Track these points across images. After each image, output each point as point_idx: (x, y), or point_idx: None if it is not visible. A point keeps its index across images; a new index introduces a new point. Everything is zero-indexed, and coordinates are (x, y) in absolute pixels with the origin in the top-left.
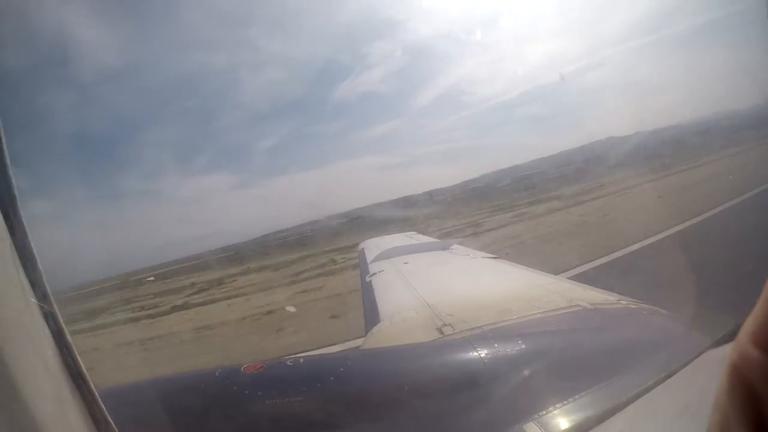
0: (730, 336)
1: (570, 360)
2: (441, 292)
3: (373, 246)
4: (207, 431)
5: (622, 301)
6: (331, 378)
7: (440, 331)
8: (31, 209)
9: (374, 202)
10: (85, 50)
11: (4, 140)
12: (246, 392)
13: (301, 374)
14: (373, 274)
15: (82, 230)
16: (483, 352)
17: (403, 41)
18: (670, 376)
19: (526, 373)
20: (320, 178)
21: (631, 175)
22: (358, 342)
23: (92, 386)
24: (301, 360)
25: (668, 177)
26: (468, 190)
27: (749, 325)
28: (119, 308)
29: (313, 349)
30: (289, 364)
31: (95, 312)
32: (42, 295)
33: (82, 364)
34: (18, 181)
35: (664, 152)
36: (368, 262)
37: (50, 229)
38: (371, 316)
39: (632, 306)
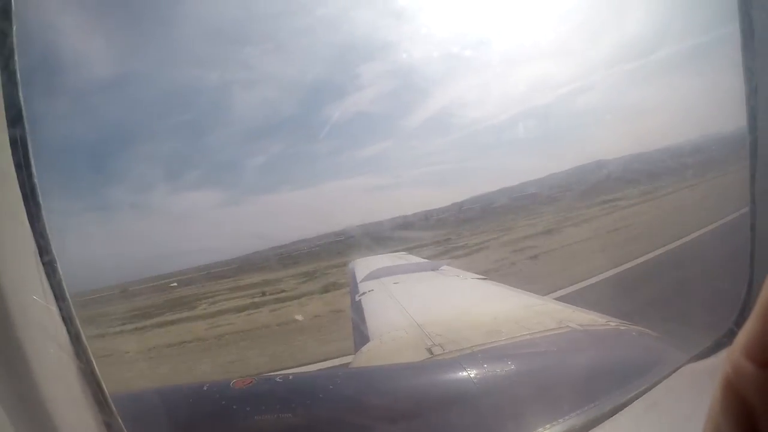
0: (708, 351)
1: (559, 381)
2: (430, 312)
3: (363, 265)
4: None
5: (611, 323)
6: (320, 396)
7: (430, 351)
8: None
9: (366, 222)
10: (77, 60)
11: (30, 146)
12: (234, 407)
13: (290, 391)
14: (363, 293)
15: (67, 239)
16: (472, 373)
17: (394, 63)
18: (648, 389)
19: (516, 394)
20: (311, 198)
21: (616, 197)
22: (347, 359)
23: (105, 389)
24: (291, 377)
25: (656, 199)
26: (459, 212)
27: (742, 338)
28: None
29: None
30: (278, 380)
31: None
32: (62, 299)
33: (96, 367)
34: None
35: (652, 174)
36: (358, 282)
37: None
38: (360, 335)
39: (621, 327)
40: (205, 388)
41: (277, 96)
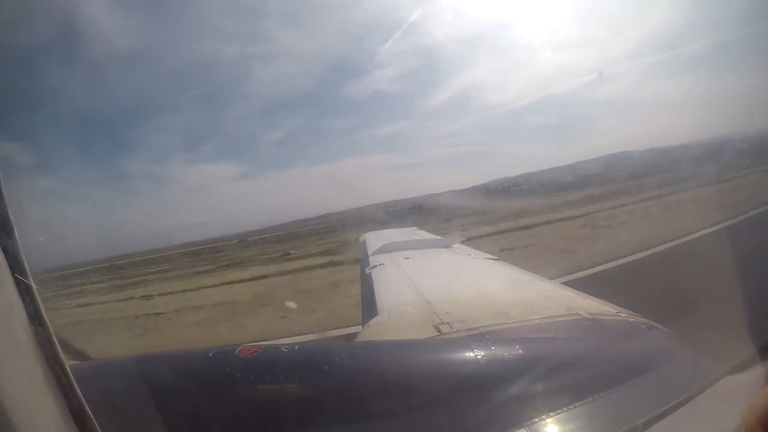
0: (744, 365)
1: (565, 369)
2: (440, 289)
3: (375, 239)
4: (197, 412)
5: (621, 314)
6: (325, 368)
7: (437, 329)
8: (37, 186)
9: (384, 201)
10: (99, 32)
11: None
12: (238, 375)
13: (295, 361)
14: (374, 266)
15: (84, 210)
16: (479, 354)
17: (415, 43)
18: (682, 403)
19: (521, 378)
20: (328, 174)
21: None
22: (354, 329)
23: (68, 370)
24: (296, 347)
25: (676, 193)
26: (476, 195)
27: (758, 406)
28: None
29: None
30: (284, 350)
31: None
32: (20, 271)
33: (58, 346)
34: (29, 158)
35: (675, 169)
36: (369, 255)
37: (54, 206)
38: (369, 308)
39: (631, 319)
40: (210, 355)
41: (295, 71)
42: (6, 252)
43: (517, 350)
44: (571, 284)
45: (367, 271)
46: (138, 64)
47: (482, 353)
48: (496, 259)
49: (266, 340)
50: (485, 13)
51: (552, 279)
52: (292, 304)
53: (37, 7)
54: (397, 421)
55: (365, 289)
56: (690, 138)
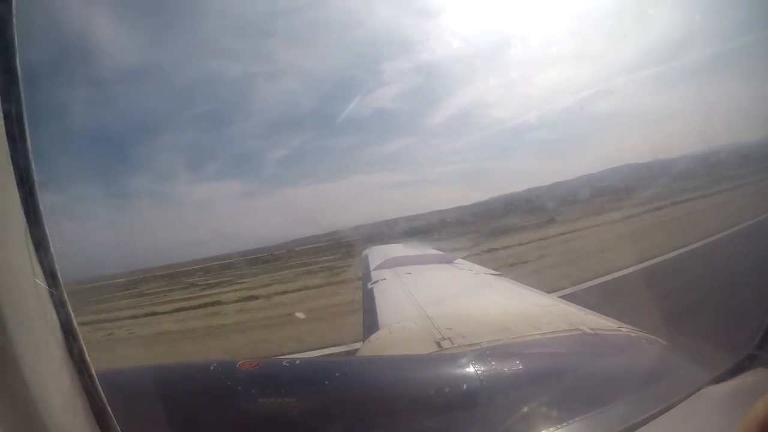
0: (728, 374)
1: (566, 384)
2: (441, 305)
3: (377, 254)
4: (199, 422)
5: (622, 329)
6: (326, 382)
7: (438, 344)
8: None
9: (388, 219)
10: (103, 51)
11: (27, 132)
12: (239, 388)
13: (296, 375)
14: (375, 281)
15: (90, 227)
16: (480, 370)
17: (418, 60)
18: (666, 410)
19: (522, 393)
20: (332, 192)
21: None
22: (356, 345)
23: (94, 374)
24: (297, 362)
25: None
26: (479, 212)
27: (758, 412)
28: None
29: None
30: (284, 364)
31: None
32: (53, 282)
33: (85, 351)
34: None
35: (676, 181)
36: (371, 270)
37: (60, 223)
38: (370, 323)
39: (632, 334)
40: (211, 368)
41: (299, 89)
42: (42, 264)
43: (518, 366)
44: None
45: (369, 286)
46: (143, 83)
47: (483, 369)
48: (497, 275)
49: None
50: (486, 30)
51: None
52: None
53: (44, 24)
54: None
55: (367, 303)
56: (693, 148)
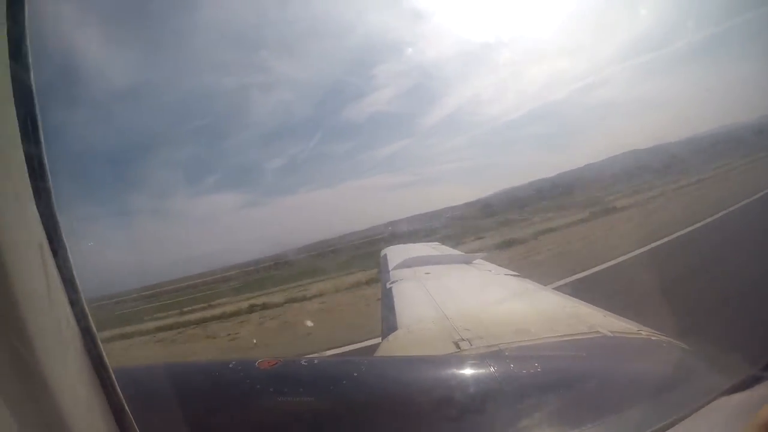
0: (745, 384)
1: (585, 388)
2: (460, 305)
3: (396, 253)
4: (216, 421)
5: (642, 332)
6: (344, 382)
7: (457, 345)
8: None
9: (388, 221)
10: (96, 68)
11: (44, 147)
12: (258, 387)
13: (314, 375)
14: (394, 281)
15: (95, 244)
16: (498, 371)
17: (409, 63)
18: (682, 418)
19: (540, 396)
20: (331, 198)
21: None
22: (372, 342)
23: (112, 374)
24: (316, 361)
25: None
26: (480, 208)
27: (761, 420)
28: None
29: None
30: (303, 363)
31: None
32: (72, 290)
33: (102, 350)
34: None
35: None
36: (390, 269)
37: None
38: (389, 322)
39: (653, 338)
40: (230, 366)
41: (294, 98)
42: (60, 271)
43: (537, 368)
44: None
45: (388, 285)
46: (137, 100)
47: (501, 370)
48: (517, 275)
49: None
50: (476, 28)
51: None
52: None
53: (34, 45)
54: None
55: (385, 303)
56: (694, 131)
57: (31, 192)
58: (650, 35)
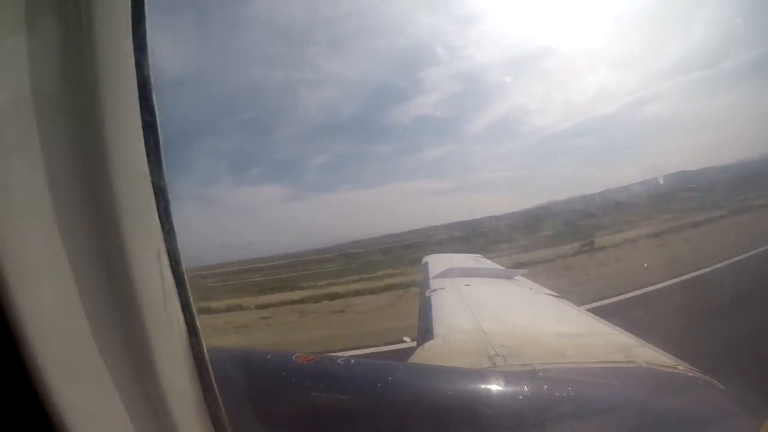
0: None
1: (616, 418)
2: (498, 320)
3: (437, 262)
4: (250, 409)
5: (679, 366)
6: (378, 385)
7: (491, 360)
8: None
9: (429, 225)
10: (151, 61)
11: (160, 134)
12: (293, 380)
13: (349, 374)
14: (434, 290)
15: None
16: (531, 391)
17: (458, 67)
18: None
19: (571, 422)
20: (372, 198)
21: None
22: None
23: (206, 354)
24: (352, 361)
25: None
26: (522, 220)
27: None
28: None
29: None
30: (339, 362)
31: None
32: (177, 265)
33: (200, 332)
34: None
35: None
36: (430, 277)
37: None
38: (425, 330)
39: (689, 374)
40: (268, 357)
41: (340, 96)
42: (174, 275)
43: (570, 392)
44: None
45: (427, 293)
46: (187, 90)
47: (534, 391)
48: (557, 296)
49: None
50: (525, 36)
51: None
52: None
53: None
54: None
55: (423, 310)
56: (746, 154)
57: (155, 204)
58: (706, 50)
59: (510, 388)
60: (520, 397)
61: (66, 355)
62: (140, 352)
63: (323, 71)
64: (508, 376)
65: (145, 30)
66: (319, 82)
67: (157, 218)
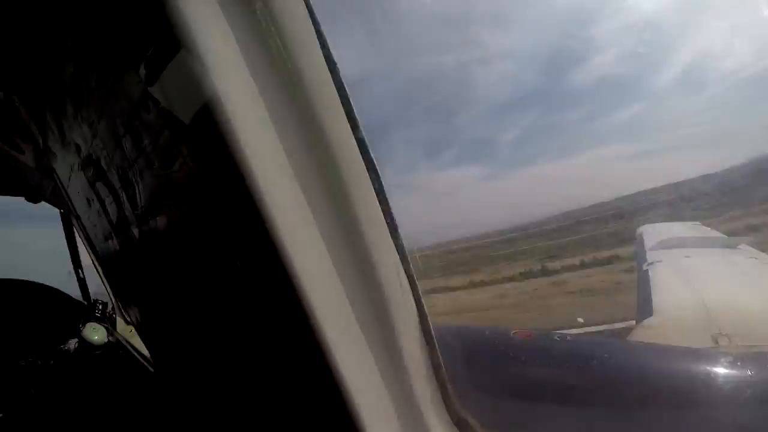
0: None
1: None
2: (722, 295)
3: (653, 233)
4: (472, 380)
5: None
6: (594, 362)
7: (715, 339)
8: None
9: (633, 191)
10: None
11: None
12: (511, 354)
13: (566, 351)
14: (651, 263)
15: None
16: (758, 378)
17: (627, 18)
18: None
19: None
20: (570, 169)
21: None
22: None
23: (431, 326)
24: (568, 338)
25: None
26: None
27: None
28: None
29: None
30: (556, 339)
31: None
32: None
33: (425, 305)
34: None
35: None
36: (647, 249)
37: None
38: (644, 306)
39: None
40: (486, 333)
41: (515, 69)
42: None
43: None
44: None
45: (644, 267)
46: (367, 87)
47: (763, 378)
48: None
49: None
50: None
51: None
52: None
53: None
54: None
55: (641, 285)
56: None
57: (381, 214)
58: None
59: (734, 372)
60: (745, 383)
61: (343, 338)
62: (385, 329)
63: (490, 47)
64: (731, 359)
65: (325, 39)
66: (489, 59)
67: (383, 217)
